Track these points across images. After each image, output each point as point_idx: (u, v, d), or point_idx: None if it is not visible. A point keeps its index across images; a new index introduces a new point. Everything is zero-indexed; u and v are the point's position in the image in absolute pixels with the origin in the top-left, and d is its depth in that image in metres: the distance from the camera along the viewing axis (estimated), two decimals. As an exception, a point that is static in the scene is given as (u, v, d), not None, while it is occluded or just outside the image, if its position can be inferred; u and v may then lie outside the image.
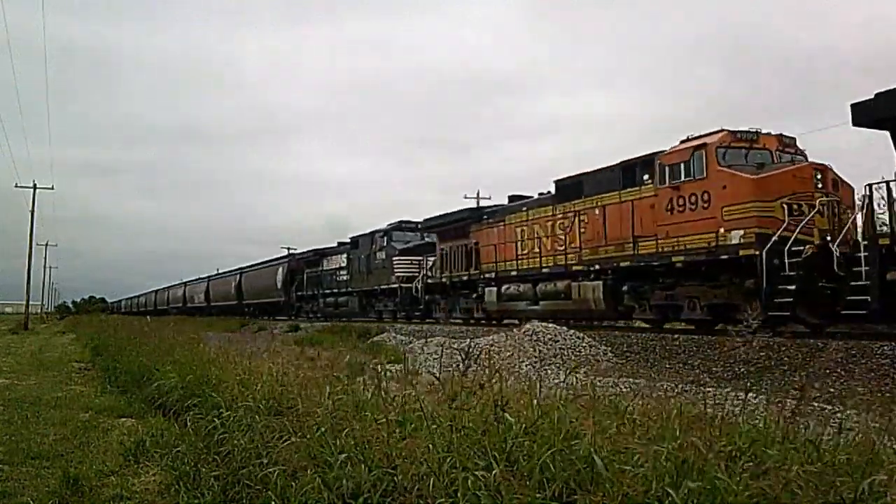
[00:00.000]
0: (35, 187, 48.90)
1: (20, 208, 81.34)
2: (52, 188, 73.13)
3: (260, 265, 49.44)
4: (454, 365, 5.37)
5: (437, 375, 4.42)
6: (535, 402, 3.81)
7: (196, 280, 70.96)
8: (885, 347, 9.97)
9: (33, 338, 30.45)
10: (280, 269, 42.38)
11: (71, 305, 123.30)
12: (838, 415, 4.13)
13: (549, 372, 11.80)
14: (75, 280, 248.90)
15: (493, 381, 4.02)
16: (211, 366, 7.84)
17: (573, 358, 13.29)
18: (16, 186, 50.49)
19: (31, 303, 50.77)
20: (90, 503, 4.71)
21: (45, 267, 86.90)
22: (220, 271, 63.86)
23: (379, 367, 5.58)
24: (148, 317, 33.95)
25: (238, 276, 51.96)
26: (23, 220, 50.40)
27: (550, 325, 15.14)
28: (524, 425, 3.45)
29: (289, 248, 62.38)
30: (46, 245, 78.51)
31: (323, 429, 4.02)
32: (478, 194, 43.84)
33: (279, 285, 41.63)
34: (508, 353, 13.46)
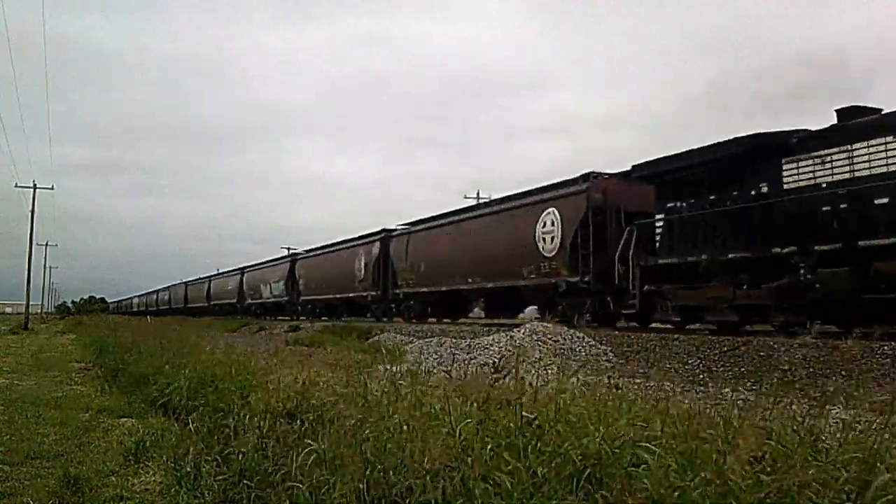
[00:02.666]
0: (35, 187, 49.08)
1: (20, 208, 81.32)
2: (52, 188, 73.05)
3: (455, 217, 24.89)
4: (456, 364, 5.37)
5: (451, 376, 4.42)
6: (563, 407, 3.75)
7: (257, 265, 48.84)
8: (885, 347, 9.97)
9: (33, 338, 30.45)
10: (550, 216, 18.49)
11: (70, 305, 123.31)
12: (840, 414, 4.13)
13: (550, 372, 11.79)
14: (75, 280, 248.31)
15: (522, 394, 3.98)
16: (218, 367, 7.86)
17: (573, 358, 13.30)
18: (16, 186, 50.63)
19: (30, 303, 50.74)
20: (90, 503, 4.71)
21: (44, 267, 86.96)
22: (316, 247, 38.80)
23: (388, 367, 5.58)
24: (149, 317, 33.62)
25: (378, 245, 29.14)
26: (23, 220, 50.41)
27: (550, 325, 15.18)
28: (549, 428, 3.42)
29: (289, 248, 54.04)
30: (46, 245, 78.59)
31: (342, 431, 3.99)
32: (478, 194, 43.61)
33: (556, 244, 18.12)
34: (508, 353, 13.47)
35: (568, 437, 3.31)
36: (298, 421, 4.62)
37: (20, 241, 64.85)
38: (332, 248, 35.86)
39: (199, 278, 66.61)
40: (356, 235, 33.24)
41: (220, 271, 60.22)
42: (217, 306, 55.63)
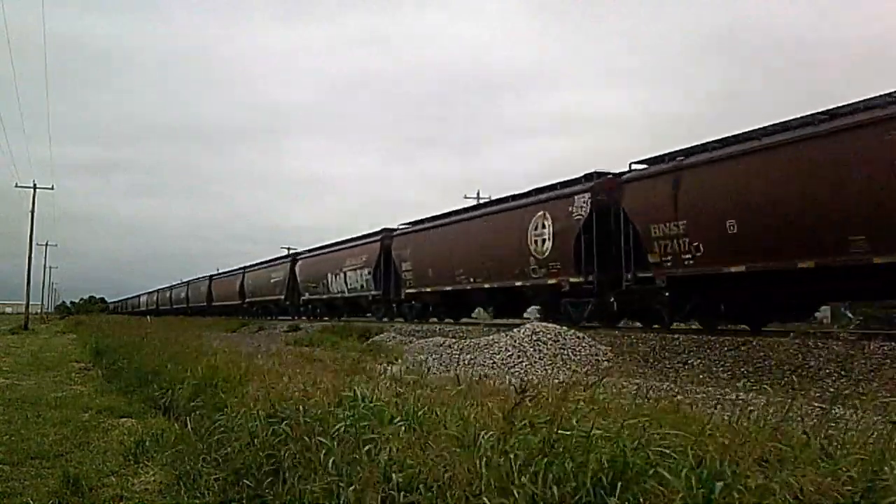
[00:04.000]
0: (35, 187, 48.99)
1: (20, 208, 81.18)
2: (52, 188, 72.86)
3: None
4: (455, 365, 5.38)
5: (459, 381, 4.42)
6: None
7: (320, 250, 36.13)
8: (885, 347, 9.96)
9: (33, 338, 30.44)
10: None
11: (70, 305, 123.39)
12: (839, 415, 4.13)
13: (551, 372, 11.80)
14: (75, 280, 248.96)
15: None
16: (218, 370, 7.87)
17: (573, 358, 13.29)
18: (16, 186, 50.55)
19: (30, 303, 50.72)
20: (90, 503, 4.71)
21: (44, 267, 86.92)
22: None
23: (387, 368, 5.60)
24: (149, 317, 33.23)
25: (584, 200, 17.17)
26: (23, 220, 50.33)
27: (551, 325, 15.16)
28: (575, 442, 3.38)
29: (289, 248, 50.64)
30: (46, 245, 78.48)
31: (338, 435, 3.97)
32: (478, 194, 43.36)
33: None
34: (509, 353, 13.46)
35: (583, 449, 3.27)
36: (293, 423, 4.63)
37: (20, 241, 64.56)
38: (469, 216, 23.07)
39: (229, 271, 54.75)
40: (527, 190, 20.33)
41: (259, 261, 48.15)
42: (254, 305, 45.08)
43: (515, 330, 14.97)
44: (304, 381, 5.68)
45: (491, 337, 14.98)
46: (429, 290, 24.38)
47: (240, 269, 50.52)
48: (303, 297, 36.47)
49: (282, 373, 6.76)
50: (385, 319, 27.02)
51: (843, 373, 9.66)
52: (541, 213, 18.64)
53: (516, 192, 20.78)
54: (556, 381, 5.32)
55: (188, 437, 5.64)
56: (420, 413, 4.15)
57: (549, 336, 14.25)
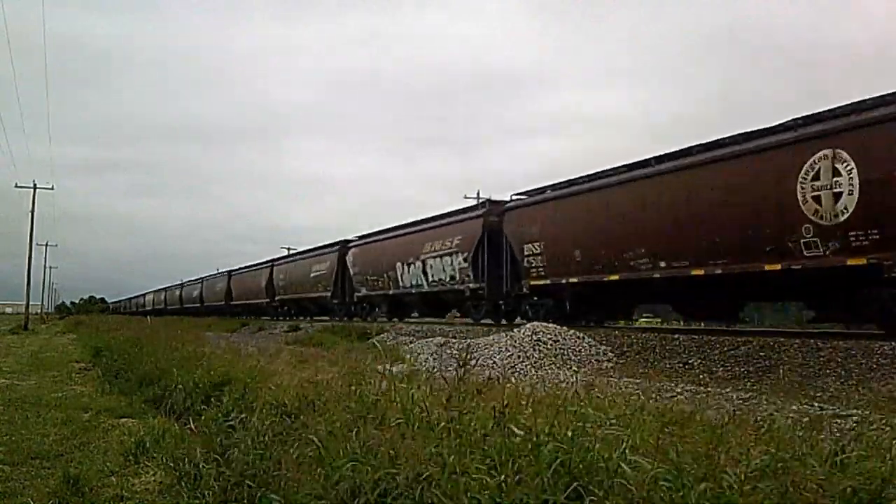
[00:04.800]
0: (35, 187, 48.98)
1: (20, 208, 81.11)
2: (52, 188, 72.72)
3: None
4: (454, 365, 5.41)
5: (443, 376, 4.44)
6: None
7: (381, 234, 29.13)
8: (885, 347, 9.96)
9: (33, 338, 30.43)
10: None
11: (70, 305, 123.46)
12: (838, 415, 4.13)
13: (550, 372, 11.80)
14: (75, 280, 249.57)
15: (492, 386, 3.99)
16: (222, 367, 7.89)
17: (573, 358, 13.29)
18: (16, 186, 50.52)
19: (30, 303, 50.71)
20: (90, 503, 4.71)
21: (44, 267, 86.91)
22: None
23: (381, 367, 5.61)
24: (149, 318, 33.04)
25: None
26: (23, 220, 50.32)
27: (551, 325, 15.14)
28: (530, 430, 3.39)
29: (289, 248, 49.62)
30: (46, 245, 78.47)
31: (330, 429, 4.01)
32: (478, 194, 43.09)
33: None
34: (509, 354, 13.47)
35: (542, 436, 3.27)
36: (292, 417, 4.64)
37: (20, 241, 64.48)
38: (657, 169, 15.27)
39: (253, 265, 47.43)
40: (780, 122, 12.63)
41: (294, 252, 41.91)
42: (286, 304, 38.73)
43: (515, 330, 14.97)
44: (302, 380, 5.69)
45: (491, 337, 14.98)
46: (574, 279, 17.42)
47: (267, 261, 43.45)
48: (357, 294, 29.60)
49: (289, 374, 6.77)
50: (487, 321, 21.54)
51: (843, 373, 9.66)
52: (825, 152, 11.43)
53: (754, 129, 13.00)
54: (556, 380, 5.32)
55: (189, 437, 5.64)
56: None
57: (549, 336, 14.24)
